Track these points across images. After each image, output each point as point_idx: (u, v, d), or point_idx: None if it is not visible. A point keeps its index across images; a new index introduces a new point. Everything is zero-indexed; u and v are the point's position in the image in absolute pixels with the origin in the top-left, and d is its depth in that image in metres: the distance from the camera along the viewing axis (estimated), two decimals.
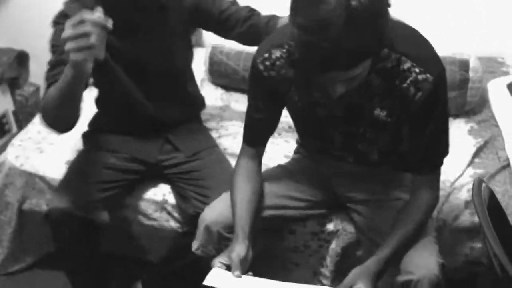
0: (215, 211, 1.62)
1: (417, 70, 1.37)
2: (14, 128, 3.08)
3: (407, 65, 1.37)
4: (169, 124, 1.89)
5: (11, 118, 3.06)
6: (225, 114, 2.28)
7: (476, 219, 1.74)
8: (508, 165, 1.91)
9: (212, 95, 2.36)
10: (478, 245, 1.77)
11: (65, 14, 1.65)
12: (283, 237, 1.84)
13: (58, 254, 1.86)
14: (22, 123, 3.08)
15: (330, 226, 1.81)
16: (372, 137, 1.55)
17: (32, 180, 2.00)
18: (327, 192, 1.76)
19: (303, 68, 1.28)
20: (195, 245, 1.60)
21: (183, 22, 1.78)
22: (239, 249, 1.45)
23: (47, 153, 2.07)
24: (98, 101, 1.92)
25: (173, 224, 1.94)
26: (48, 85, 1.60)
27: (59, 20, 1.67)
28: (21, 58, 3.02)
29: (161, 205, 1.92)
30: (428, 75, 1.36)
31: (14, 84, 3.05)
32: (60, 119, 1.56)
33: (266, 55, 1.49)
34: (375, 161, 1.62)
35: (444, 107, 1.44)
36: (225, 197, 1.65)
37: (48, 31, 2.91)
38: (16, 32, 3.02)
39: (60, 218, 1.63)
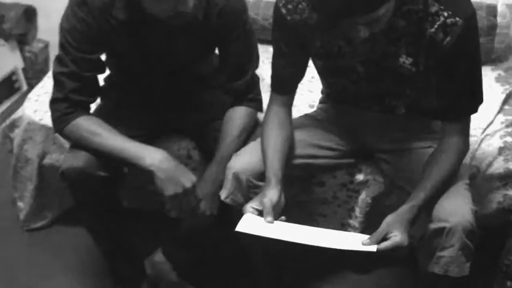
0: (244, 159, 1.58)
1: (445, 13, 1.33)
2: (25, 86, 3.05)
3: (434, 8, 1.33)
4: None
5: (21, 76, 3.02)
6: None
7: (511, 165, 1.72)
8: None
9: None
10: (510, 192, 1.75)
11: (83, 1, 1.55)
12: (311, 189, 1.82)
13: (78, 210, 1.83)
14: (32, 80, 3.04)
15: (360, 176, 1.78)
16: (398, 91, 1.53)
17: (52, 134, 1.96)
18: (355, 141, 1.72)
19: (324, 13, 1.23)
20: (223, 194, 1.57)
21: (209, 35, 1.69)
22: (272, 194, 1.42)
23: None
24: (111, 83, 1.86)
25: None
26: (56, 82, 1.60)
27: (78, 10, 1.55)
28: (29, 14, 2.97)
29: (185, 161, 1.88)
30: (457, 18, 1.32)
31: (22, 40, 3.01)
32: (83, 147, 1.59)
33: None
34: (402, 114, 1.60)
35: (475, 53, 1.41)
36: (253, 145, 1.63)
37: None
38: None
39: (76, 177, 1.59)
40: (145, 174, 1.55)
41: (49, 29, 3.03)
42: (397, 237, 1.35)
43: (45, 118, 1.97)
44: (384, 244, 1.34)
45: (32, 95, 2.10)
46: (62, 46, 1.58)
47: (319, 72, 1.66)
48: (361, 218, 1.83)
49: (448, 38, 1.34)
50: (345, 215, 1.86)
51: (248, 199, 1.52)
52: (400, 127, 1.64)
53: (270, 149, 1.52)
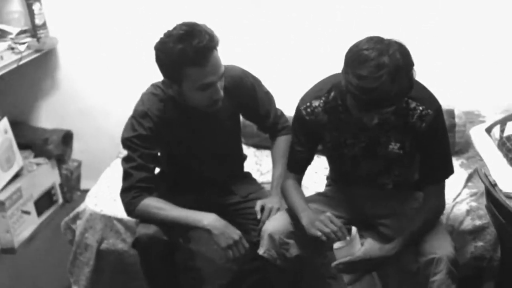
0: (275, 223, 2.08)
1: (420, 107, 1.90)
2: (60, 199, 3.49)
3: (412, 105, 1.90)
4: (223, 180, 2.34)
5: (58, 190, 3.47)
6: (261, 168, 2.77)
7: (477, 222, 2.26)
8: (496, 184, 2.41)
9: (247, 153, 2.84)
10: (480, 243, 2.26)
11: (145, 113, 2.07)
12: (324, 253, 2.26)
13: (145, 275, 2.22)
14: (66, 194, 3.50)
15: (362, 241, 2.24)
16: (388, 171, 2.08)
17: (110, 222, 2.42)
18: (356, 211, 2.21)
19: (358, 106, 1.77)
20: (261, 250, 2.04)
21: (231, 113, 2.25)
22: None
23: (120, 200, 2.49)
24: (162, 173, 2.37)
25: None
26: (125, 175, 2.08)
27: (143, 121, 2.06)
28: (66, 137, 3.49)
29: None
30: (429, 110, 1.90)
31: (60, 160, 3.49)
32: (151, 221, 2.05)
33: (308, 104, 2.02)
34: (390, 189, 2.13)
35: (444, 133, 1.98)
36: (279, 214, 2.13)
37: (89, 112, 3.41)
38: (62, 114, 3.50)
39: (148, 241, 2.03)
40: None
41: (82, 150, 3.58)
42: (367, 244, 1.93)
43: (105, 209, 2.45)
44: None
45: (91, 193, 2.58)
46: (129, 147, 2.08)
47: (328, 160, 2.20)
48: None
49: (423, 124, 1.90)
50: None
51: (280, 254, 2.02)
52: (390, 197, 2.16)
53: (298, 201, 2.05)
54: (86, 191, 3.52)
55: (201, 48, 1.86)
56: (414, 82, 1.74)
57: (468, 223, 2.28)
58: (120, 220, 2.41)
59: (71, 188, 3.53)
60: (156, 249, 2.05)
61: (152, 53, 2.69)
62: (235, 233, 2.02)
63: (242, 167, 2.46)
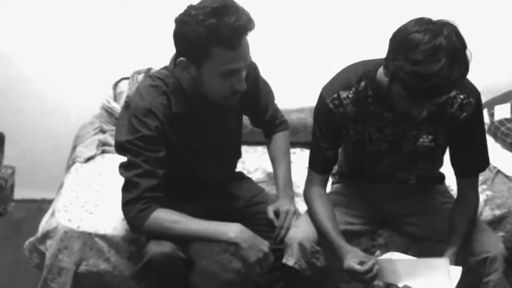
0: (303, 230, 1.85)
1: (461, 96, 1.75)
2: None
3: (453, 93, 1.73)
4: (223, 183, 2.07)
5: None
6: (246, 166, 2.54)
7: (496, 212, 2.18)
8: (499, 171, 2.35)
9: None
10: (501, 233, 2.18)
11: (149, 109, 1.74)
12: None
13: None
14: (0, 206, 3.03)
15: (381, 240, 2.08)
16: (411, 166, 1.91)
17: (90, 240, 2.06)
18: (375, 211, 2.03)
19: (411, 95, 1.57)
20: (290, 261, 1.79)
21: (238, 109, 1.99)
22: (358, 252, 1.75)
23: (97, 213, 2.15)
24: None
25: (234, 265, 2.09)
26: (129, 185, 1.75)
27: (146, 119, 1.74)
28: None
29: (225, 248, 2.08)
30: (471, 99, 1.75)
31: None
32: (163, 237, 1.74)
33: (335, 95, 1.81)
34: (413, 183, 1.97)
35: (482, 122, 1.84)
36: (304, 219, 1.91)
37: (23, 112, 2.99)
38: None
39: (165, 261, 1.71)
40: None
41: (15, 155, 3.12)
42: None
43: (82, 225, 2.08)
44: None
45: (58, 207, 2.18)
46: (129, 151, 1.75)
47: (346, 155, 1.99)
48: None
49: (464, 114, 1.75)
50: None
51: (309, 263, 1.80)
52: (413, 193, 1.99)
53: (329, 222, 1.82)
54: (21, 202, 3.15)
55: (237, 28, 1.59)
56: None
57: (487, 213, 2.19)
58: (102, 237, 2.06)
59: (6, 198, 3.06)
60: (175, 270, 1.74)
61: (90, 49, 2.61)
62: (264, 245, 1.76)
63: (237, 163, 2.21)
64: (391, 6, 2.90)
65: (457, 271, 1.67)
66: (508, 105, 2.69)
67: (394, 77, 1.58)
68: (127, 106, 1.85)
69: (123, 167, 1.78)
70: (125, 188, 1.76)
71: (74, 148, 2.71)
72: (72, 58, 2.98)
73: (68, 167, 2.58)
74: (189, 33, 1.62)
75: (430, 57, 1.48)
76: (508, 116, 2.64)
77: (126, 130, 1.76)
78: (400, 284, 1.69)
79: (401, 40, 1.54)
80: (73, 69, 3.00)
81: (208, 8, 1.59)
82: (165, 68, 1.84)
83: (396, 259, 1.71)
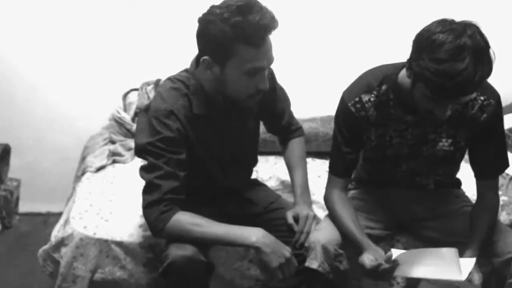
0: (326, 233, 1.83)
1: (482, 98, 1.76)
2: None
3: (473, 95, 1.73)
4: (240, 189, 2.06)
5: None
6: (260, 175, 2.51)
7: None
8: None
9: None
10: None
11: (170, 111, 1.73)
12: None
13: None
14: (5, 219, 2.98)
15: (399, 245, 2.06)
16: (430, 170, 1.91)
17: (106, 247, 2.03)
18: (393, 215, 2.02)
19: (436, 95, 1.57)
20: (314, 264, 1.77)
21: (256, 114, 1.98)
22: (379, 251, 1.74)
23: (113, 221, 2.12)
24: None
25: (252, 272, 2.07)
26: (150, 187, 1.72)
27: (167, 120, 1.72)
28: (3, 152, 2.98)
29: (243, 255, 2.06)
30: (491, 100, 1.77)
31: None
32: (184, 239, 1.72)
33: (357, 99, 1.81)
34: (432, 189, 1.97)
35: (502, 124, 1.85)
36: (326, 222, 1.90)
37: (30, 124, 2.97)
38: None
39: (187, 264, 1.68)
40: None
41: (21, 168, 3.08)
42: (475, 275, 1.67)
43: (98, 232, 2.06)
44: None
45: (73, 214, 2.15)
46: (151, 153, 1.72)
47: (365, 161, 1.98)
48: (403, 283, 2.09)
49: (484, 115, 1.76)
50: (385, 285, 2.11)
51: (332, 266, 1.78)
52: (431, 198, 1.99)
53: (353, 227, 1.82)
54: (26, 215, 3.10)
55: (261, 26, 1.60)
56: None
57: (504, 218, 2.19)
58: (119, 244, 2.03)
59: (11, 211, 3.01)
60: (196, 274, 1.71)
61: (98, 60, 2.58)
62: (286, 250, 1.73)
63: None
64: (393, 15, 2.93)
65: (470, 262, 1.69)
66: None
67: (418, 78, 1.59)
68: (146, 109, 1.83)
69: (144, 170, 1.76)
70: (146, 191, 1.74)
71: (83, 158, 2.69)
72: (80, 70, 2.97)
73: (78, 177, 2.55)
74: (213, 31, 1.62)
75: (454, 56, 1.49)
76: None
77: (147, 132, 1.75)
78: (411, 275, 1.72)
79: (425, 41, 1.55)
80: (80, 80, 2.99)
81: (233, 6, 1.60)
82: (186, 70, 1.84)
83: (405, 251, 1.74)
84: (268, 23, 1.60)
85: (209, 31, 1.63)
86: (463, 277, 1.65)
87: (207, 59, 1.68)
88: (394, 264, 1.70)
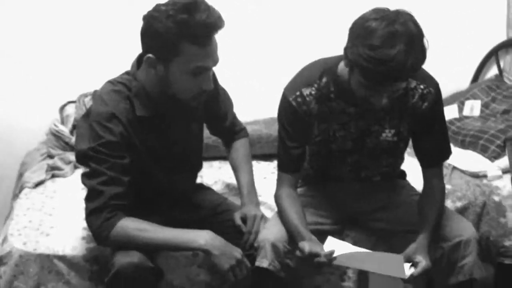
0: (274, 231, 1.81)
1: (422, 86, 1.79)
2: None
3: (413, 84, 1.78)
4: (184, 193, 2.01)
5: None
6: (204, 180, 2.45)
7: (457, 204, 2.24)
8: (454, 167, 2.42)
9: None
10: None
11: (112, 114, 1.68)
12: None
13: None
14: None
15: (349, 240, 2.05)
16: (374, 163, 1.93)
17: (48, 262, 1.94)
18: (341, 210, 2.02)
19: (369, 82, 1.59)
20: (264, 262, 1.75)
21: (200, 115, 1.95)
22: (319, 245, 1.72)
23: (54, 235, 2.03)
24: None
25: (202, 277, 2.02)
26: (92, 194, 1.67)
27: (109, 124, 1.67)
28: None
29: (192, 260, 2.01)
30: (430, 89, 1.80)
31: None
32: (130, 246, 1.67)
33: (298, 93, 1.80)
34: (378, 180, 1.99)
35: (443, 112, 1.89)
36: (274, 219, 1.89)
37: None
38: None
39: (134, 271, 1.63)
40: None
41: None
42: (423, 262, 1.68)
43: (38, 247, 1.97)
44: (417, 271, 1.68)
45: (10, 231, 2.05)
46: (92, 158, 1.67)
47: (311, 157, 1.97)
48: (355, 277, 2.08)
49: (426, 104, 1.79)
50: (337, 281, 2.10)
51: (283, 264, 1.76)
52: (377, 190, 2.00)
53: (297, 220, 1.80)
54: None
55: (208, 25, 1.58)
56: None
57: (449, 206, 2.17)
58: (61, 258, 1.95)
59: None
60: (144, 281, 1.65)
61: (31, 73, 2.58)
62: (237, 251, 1.70)
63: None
64: (331, 12, 2.95)
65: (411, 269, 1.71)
66: (455, 106, 2.78)
67: (353, 65, 1.61)
68: (87, 114, 1.77)
69: (86, 176, 1.70)
70: (89, 198, 1.68)
71: (20, 175, 2.59)
72: (13, 86, 2.85)
73: (16, 195, 2.45)
74: (159, 28, 1.59)
75: (387, 42, 1.52)
76: (457, 116, 2.73)
77: (88, 137, 1.69)
78: (351, 265, 1.78)
79: (359, 28, 1.58)
80: (14, 96, 2.87)
81: (179, 4, 1.58)
82: (126, 73, 1.79)
83: (352, 252, 1.74)
84: (214, 22, 1.59)
85: (154, 28, 1.60)
86: (405, 275, 1.67)
87: (151, 57, 1.65)
88: (332, 258, 1.69)
